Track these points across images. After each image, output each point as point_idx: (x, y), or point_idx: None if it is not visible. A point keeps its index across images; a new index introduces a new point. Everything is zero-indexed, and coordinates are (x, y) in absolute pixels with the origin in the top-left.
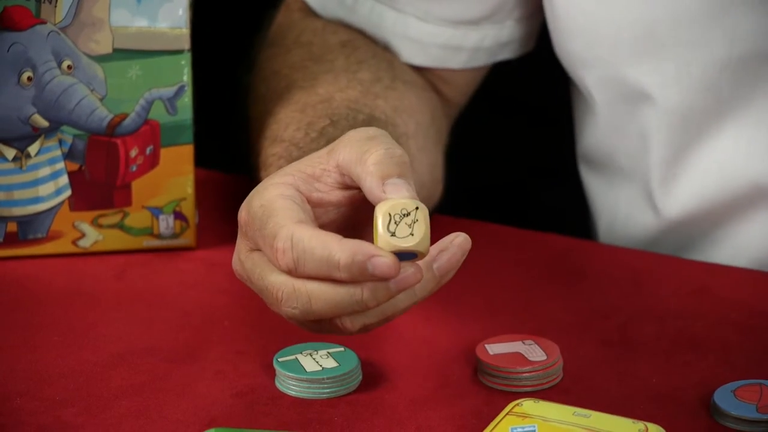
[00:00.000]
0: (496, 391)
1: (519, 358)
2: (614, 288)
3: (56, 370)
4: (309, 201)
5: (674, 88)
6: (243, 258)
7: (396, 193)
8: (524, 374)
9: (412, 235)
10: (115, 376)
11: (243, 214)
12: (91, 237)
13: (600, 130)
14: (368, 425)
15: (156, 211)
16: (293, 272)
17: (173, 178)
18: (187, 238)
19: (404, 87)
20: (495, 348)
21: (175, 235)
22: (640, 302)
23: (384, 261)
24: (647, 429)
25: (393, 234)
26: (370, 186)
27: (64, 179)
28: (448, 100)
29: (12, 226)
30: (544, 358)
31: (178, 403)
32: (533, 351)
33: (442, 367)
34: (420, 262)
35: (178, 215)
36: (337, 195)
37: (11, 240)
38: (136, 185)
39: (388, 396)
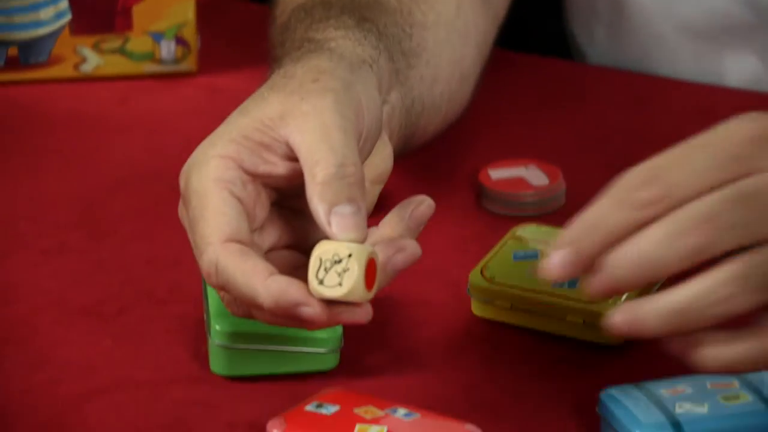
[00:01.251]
0: (498, 216)
1: (521, 182)
2: (617, 110)
3: (60, 194)
4: (255, 174)
5: None
6: (182, 214)
7: (341, 228)
8: (526, 199)
9: (341, 285)
10: (119, 201)
11: (181, 183)
12: (93, 61)
13: None
14: None
15: (157, 36)
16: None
17: (174, 3)
18: (189, 64)
19: None
20: (497, 173)
21: (176, 61)
22: (643, 124)
23: (309, 311)
24: None
25: (321, 282)
26: (316, 211)
27: (64, 3)
28: None
29: (13, 51)
30: (547, 182)
31: (182, 227)
32: (535, 175)
33: (445, 193)
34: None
35: (180, 40)
36: (286, 167)
37: (13, 64)
38: (137, 10)
39: None
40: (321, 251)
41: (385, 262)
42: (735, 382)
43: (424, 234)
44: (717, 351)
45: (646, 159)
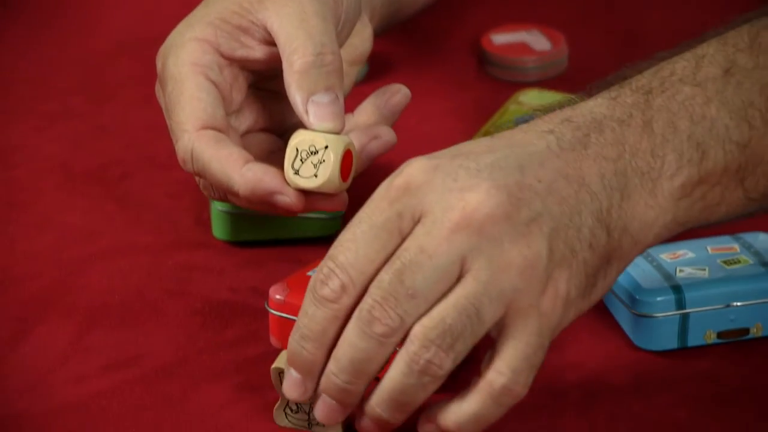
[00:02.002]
0: (500, 81)
1: (524, 47)
2: None
3: (62, 58)
4: (232, 59)
5: None
6: (159, 94)
7: (318, 117)
8: (529, 64)
9: (316, 176)
10: (120, 66)
11: (158, 65)
12: None
13: None
14: None
15: None
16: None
17: None
18: None
19: None
20: (499, 38)
21: None
22: None
23: (284, 200)
24: None
25: (297, 172)
26: (294, 100)
27: None
28: None
29: None
30: (549, 47)
31: None
32: (538, 41)
33: (446, 58)
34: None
35: None
36: (264, 51)
37: None
38: None
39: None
40: (297, 141)
41: (360, 150)
42: (736, 246)
43: (425, 100)
44: (454, 416)
45: (649, 25)
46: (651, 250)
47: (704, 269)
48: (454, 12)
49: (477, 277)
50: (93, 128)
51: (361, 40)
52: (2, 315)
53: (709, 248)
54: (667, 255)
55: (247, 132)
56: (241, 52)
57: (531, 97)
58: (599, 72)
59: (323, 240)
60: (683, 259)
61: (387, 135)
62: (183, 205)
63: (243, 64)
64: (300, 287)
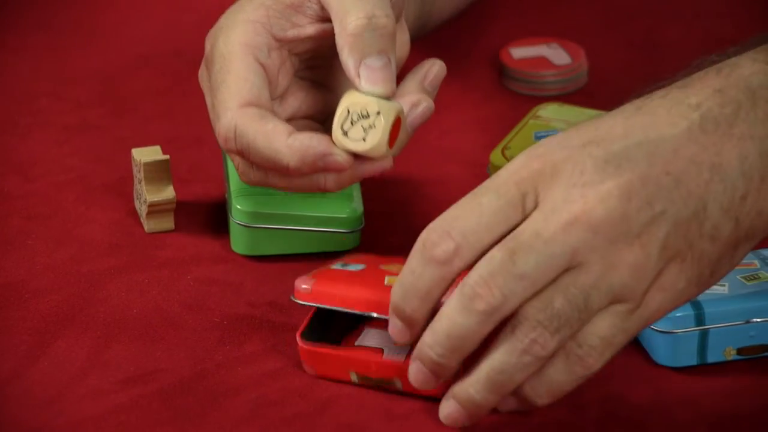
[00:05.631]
0: (520, 95)
1: (543, 61)
2: None
3: (81, 71)
4: (282, 40)
5: None
6: (203, 77)
7: (369, 81)
8: (548, 78)
9: (364, 140)
10: (140, 79)
11: (207, 46)
12: None
13: None
14: None
15: None
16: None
17: None
18: None
19: None
20: (519, 52)
21: None
22: (667, 3)
23: (336, 159)
24: None
25: (345, 133)
26: (346, 63)
27: None
28: None
29: None
30: (569, 61)
31: (203, 106)
32: (558, 54)
33: (466, 72)
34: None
35: None
36: (315, 28)
37: None
38: None
39: None
40: (350, 102)
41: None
42: (756, 262)
43: (445, 114)
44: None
45: (670, 39)
46: None
47: (724, 285)
48: (473, 26)
49: (588, 271)
50: (112, 141)
51: (400, 45)
52: (21, 329)
53: None
54: None
55: (290, 120)
56: (292, 32)
57: (550, 112)
58: (620, 86)
59: (342, 254)
60: None
61: (426, 102)
62: (202, 219)
63: (293, 46)
64: (325, 278)
